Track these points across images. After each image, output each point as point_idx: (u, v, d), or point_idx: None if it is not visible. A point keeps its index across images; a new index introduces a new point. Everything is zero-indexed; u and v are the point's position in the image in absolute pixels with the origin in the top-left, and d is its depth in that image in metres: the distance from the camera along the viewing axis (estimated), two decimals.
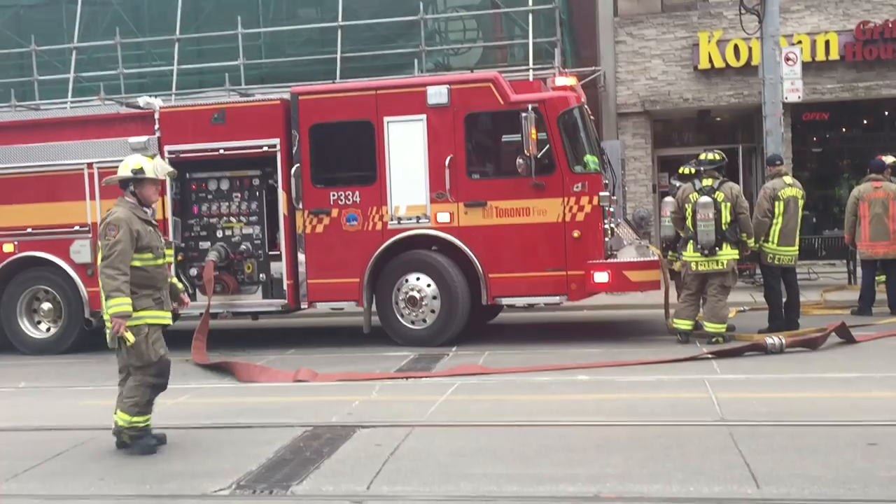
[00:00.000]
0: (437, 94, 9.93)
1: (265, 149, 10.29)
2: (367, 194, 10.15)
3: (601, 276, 9.65)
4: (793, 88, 13.38)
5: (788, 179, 10.24)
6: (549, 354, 9.23)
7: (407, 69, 14.22)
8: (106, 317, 5.74)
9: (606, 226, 9.94)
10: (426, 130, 9.97)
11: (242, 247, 10.53)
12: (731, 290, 9.64)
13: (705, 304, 9.64)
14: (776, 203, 9.93)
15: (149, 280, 5.86)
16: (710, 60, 16.81)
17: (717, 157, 9.68)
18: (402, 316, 10.11)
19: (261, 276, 10.53)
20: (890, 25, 16.18)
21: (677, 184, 10.48)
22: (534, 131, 9.44)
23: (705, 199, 9.34)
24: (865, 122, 17.89)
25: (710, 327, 9.39)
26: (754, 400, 6.71)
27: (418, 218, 10.03)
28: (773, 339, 8.74)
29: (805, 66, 14.72)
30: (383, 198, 10.08)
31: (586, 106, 10.64)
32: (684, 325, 9.61)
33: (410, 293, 10.02)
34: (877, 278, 11.45)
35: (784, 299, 10.15)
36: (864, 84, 16.52)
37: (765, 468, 4.92)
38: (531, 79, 12.20)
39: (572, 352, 9.32)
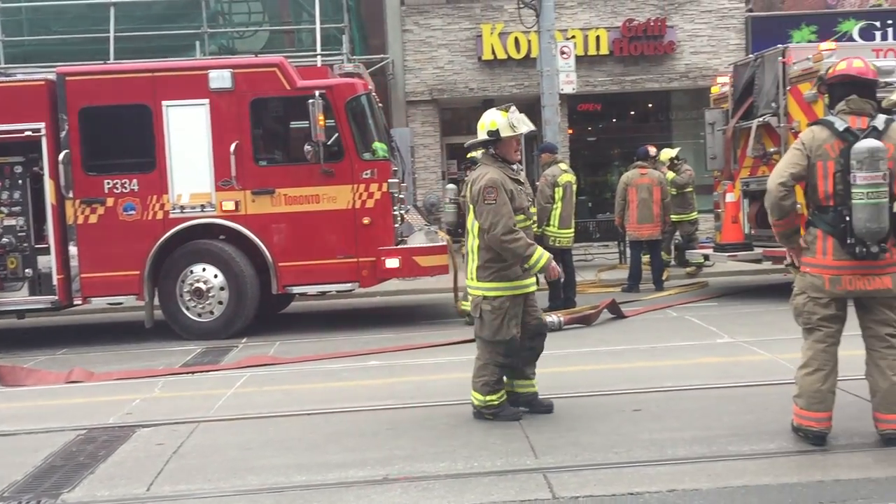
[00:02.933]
0: (220, 79, 9.60)
1: (28, 133, 9.48)
2: (145, 182, 9.63)
3: (392, 262, 9.77)
4: (568, 80, 14.20)
5: (564, 166, 10.86)
6: (341, 341, 9.23)
7: (188, 52, 13.64)
8: (536, 268, 5.49)
9: (396, 212, 10.08)
10: (209, 116, 9.62)
11: (4, 240, 9.66)
12: None
13: None
14: (556, 189, 10.49)
15: None
16: (493, 52, 17.47)
17: None
18: (187, 309, 9.72)
19: (27, 271, 9.72)
20: (652, 24, 17.58)
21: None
22: (321, 118, 9.37)
23: None
24: (633, 113, 19.34)
25: None
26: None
27: (203, 206, 9.66)
28: (552, 318, 9.24)
29: (578, 59, 15.70)
30: (164, 186, 9.61)
31: (374, 93, 10.69)
32: None
33: (196, 285, 9.66)
34: (643, 257, 12.44)
35: (562, 279, 10.76)
36: (630, 78, 17.85)
37: (542, 439, 5.20)
38: (319, 65, 12.11)
39: (365, 338, 9.38)
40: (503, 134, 5.49)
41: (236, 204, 9.66)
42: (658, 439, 5.09)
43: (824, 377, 4.77)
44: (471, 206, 5.61)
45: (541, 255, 5.48)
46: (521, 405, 5.77)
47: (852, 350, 4.92)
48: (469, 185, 5.67)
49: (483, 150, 5.74)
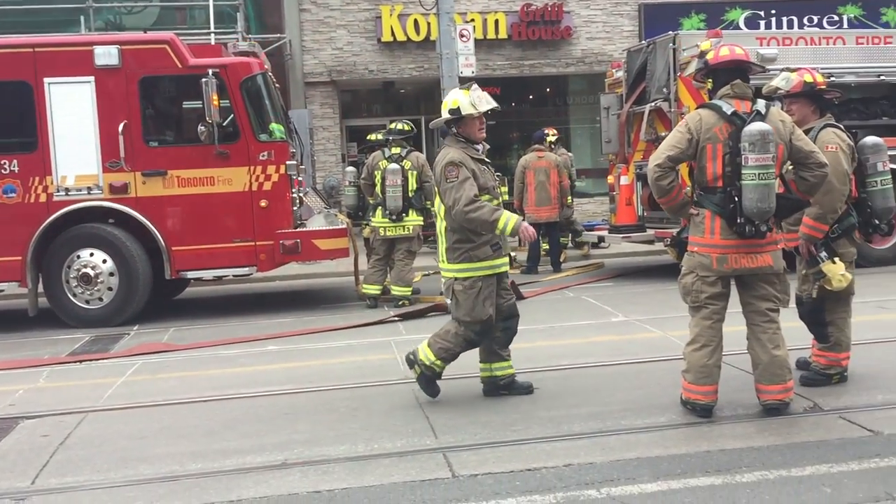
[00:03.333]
0: (106, 55, 9.20)
1: None
2: (27, 163, 9.16)
3: (291, 245, 9.61)
4: (467, 63, 14.22)
5: None
6: (238, 327, 9.05)
7: (72, 27, 13.02)
8: (507, 232, 5.33)
9: (295, 195, 9.91)
10: (95, 94, 9.21)
11: None
12: (416, 255, 10.09)
13: (392, 268, 10.00)
14: None
15: None
16: (393, 33, 17.34)
17: (406, 128, 10.05)
18: (74, 295, 9.33)
19: None
20: (549, 9, 17.80)
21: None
22: (215, 97, 9.11)
23: (394, 166, 9.66)
24: (531, 97, 19.57)
25: (396, 291, 9.77)
26: None
27: (90, 189, 9.26)
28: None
29: (478, 43, 15.74)
30: (47, 167, 9.17)
31: (271, 73, 10.46)
32: (373, 289, 9.91)
33: (83, 270, 9.27)
34: (541, 240, 12.64)
35: None
36: (528, 62, 18.05)
37: (442, 419, 5.23)
38: (213, 43, 11.76)
39: (263, 323, 9.22)
40: (464, 112, 5.41)
41: (125, 186, 9.30)
42: (555, 416, 5.20)
43: (711, 352, 4.96)
44: (436, 190, 5.56)
45: (508, 218, 5.30)
46: (501, 388, 5.71)
47: (734, 326, 5.13)
48: (433, 168, 5.66)
49: (447, 131, 5.60)
